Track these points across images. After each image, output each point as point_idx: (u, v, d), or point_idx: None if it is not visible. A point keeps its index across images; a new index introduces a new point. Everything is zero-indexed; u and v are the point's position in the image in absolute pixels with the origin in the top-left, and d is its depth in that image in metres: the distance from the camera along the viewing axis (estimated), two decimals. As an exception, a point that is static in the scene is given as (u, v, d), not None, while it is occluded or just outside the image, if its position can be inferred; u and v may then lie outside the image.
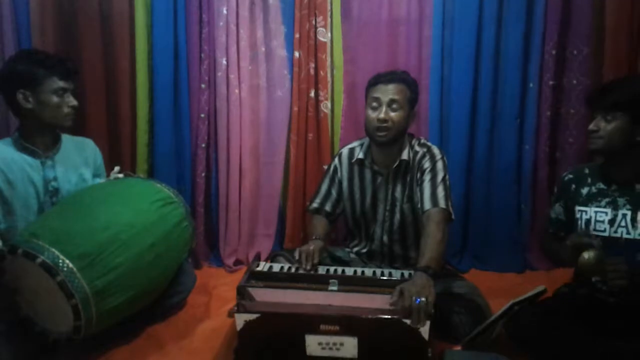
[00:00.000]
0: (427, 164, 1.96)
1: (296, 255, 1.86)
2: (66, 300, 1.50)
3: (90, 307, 1.54)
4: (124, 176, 1.99)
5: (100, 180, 2.00)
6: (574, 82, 2.52)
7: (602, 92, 1.67)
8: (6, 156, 1.79)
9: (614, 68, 2.44)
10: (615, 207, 1.66)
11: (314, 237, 1.99)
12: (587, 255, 1.52)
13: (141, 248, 1.69)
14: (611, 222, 1.66)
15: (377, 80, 1.95)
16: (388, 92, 1.91)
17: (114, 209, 1.71)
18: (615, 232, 1.65)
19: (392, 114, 1.90)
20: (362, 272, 1.84)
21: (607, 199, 1.69)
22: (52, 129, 1.87)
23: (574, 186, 1.78)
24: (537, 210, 2.64)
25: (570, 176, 1.81)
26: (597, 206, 1.70)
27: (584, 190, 1.75)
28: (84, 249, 1.55)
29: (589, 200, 1.72)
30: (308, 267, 1.80)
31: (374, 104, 1.93)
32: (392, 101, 1.90)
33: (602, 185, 1.71)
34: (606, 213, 1.67)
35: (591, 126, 1.65)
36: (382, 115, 1.89)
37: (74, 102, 1.86)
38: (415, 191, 1.97)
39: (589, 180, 1.75)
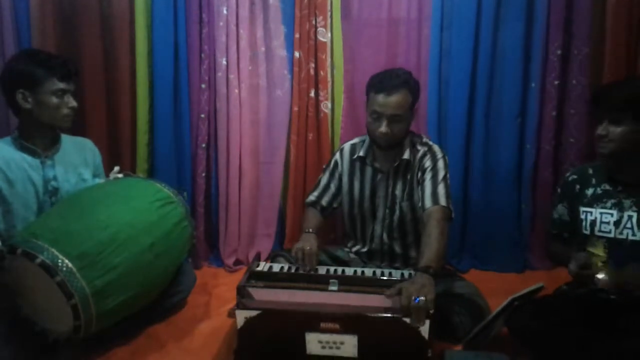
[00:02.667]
0: (428, 163, 1.95)
1: (293, 253, 1.85)
2: (65, 300, 1.50)
3: (90, 307, 1.54)
4: (123, 176, 1.99)
5: (100, 180, 2.00)
6: (574, 82, 2.52)
7: (606, 94, 1.63)
8: (6, 155, 1.79)
9: (614, 69, 2.44)
10: (621, 209, 1.65)
11: (306, 230, 1.98)
12: (601, 276, 1.53)
13: (141, 248, 1.69)
14: (617, 223, 1.64)
15: (380, 87, 1.86)
16: (390, 107, 1.85)
17: (114, 209, 1.71)
18: (621, 233, 1.64)
19: (394, 127, 1.88)
20: (362, 272, 1.84)
21: (612, 200, 1.67)
22: (51, 129, 1.87)
23: (578, 187, 1.76)
24: (538, 210, 2.64)
25: (574, 176, 1.79)
26: (602, 207, 1.68)
27: (589, 191, 1.73)
28: (84, 249, 1.55)
29: (594, 201, 1.71)
30: (308, 269, 1.80)
31: (375, 115, 1.89)
32: (393, 116, 1.86)
33: (607, 187, 1.69)
34: (612, 214, 1.65)
35: (599, 131, 1.61)
36: (383, 130, 1.87)
37: (74, 104, 1.86)
38: (416, 190, 1.96)
39: (594, 181, 1.73)
